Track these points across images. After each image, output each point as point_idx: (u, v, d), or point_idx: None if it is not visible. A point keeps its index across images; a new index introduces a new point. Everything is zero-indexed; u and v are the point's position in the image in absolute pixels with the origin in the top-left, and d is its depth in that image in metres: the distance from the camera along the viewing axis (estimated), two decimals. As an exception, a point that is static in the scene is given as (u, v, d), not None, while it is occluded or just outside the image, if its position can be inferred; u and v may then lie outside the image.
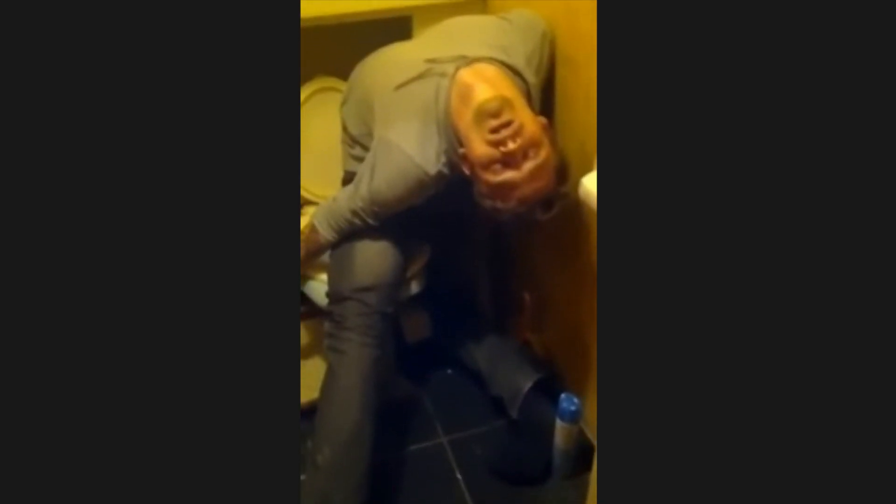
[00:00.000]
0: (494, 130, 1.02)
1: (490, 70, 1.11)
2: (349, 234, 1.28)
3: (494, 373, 1.49)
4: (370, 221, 1.24)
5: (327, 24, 1.45)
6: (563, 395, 1.29)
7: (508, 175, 1.04)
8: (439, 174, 1.15)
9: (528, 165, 1.04)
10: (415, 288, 1.45)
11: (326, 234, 1.28)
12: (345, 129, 1.37)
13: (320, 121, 1.54)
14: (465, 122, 1.07)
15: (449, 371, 1.66)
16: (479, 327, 1.58)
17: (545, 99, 1.22)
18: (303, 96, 1.55)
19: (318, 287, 1.39)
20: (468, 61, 1.12)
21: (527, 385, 1.41)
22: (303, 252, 1.32)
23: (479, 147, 1.04)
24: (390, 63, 1.26)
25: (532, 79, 1.17)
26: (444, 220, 1.48)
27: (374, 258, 1.28)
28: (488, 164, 1.05)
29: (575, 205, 1.19)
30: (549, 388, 1.40)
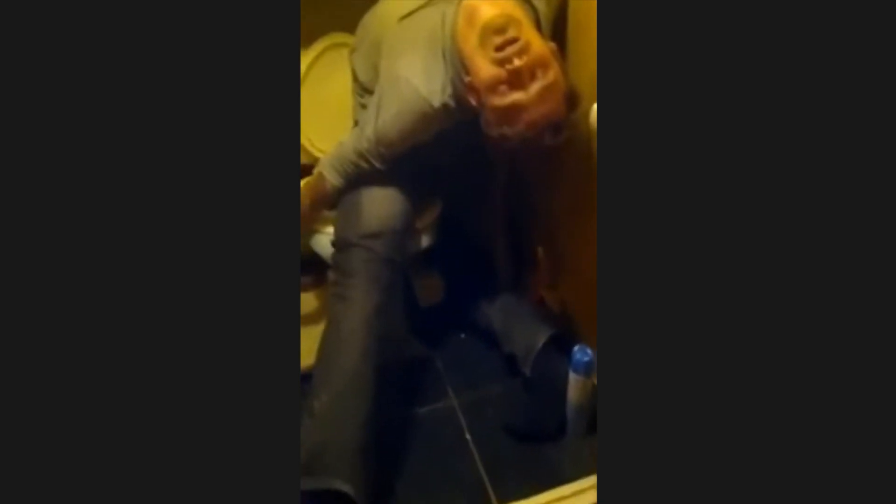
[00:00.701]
0: (500, 48, 0.98)
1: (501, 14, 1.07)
2: (356, 179, 1.25)
3: (508, 330, 1.45)
4: (377, 164, 1.21)
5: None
6: (576, 347, 1.23)
7: (515, 96, 1.00)
8: (444, 107, 1.12)
9: (535, 86, 1.00)
10: (425, 241, 1.41)
11: (332, 179, 1.25)
12: (355, 78, 1.35)
13: (333, 78, 1.52)
14: (470, 44, 1.03)
15: (462, 335, 1.61)
16: (494, 287, 1.54)
17: (557, 30, 1.18)
18: (314, 53, 1.54)
19: (325, 240, 1.36)
20: None
21: (541, 340, 1.36)
22: (308, 201, 1.29)
23: (484, 67, 1.01)
24: (395, 3, 1.24)
25: (542, 6, 1.13)
26: (456, 175, 1.45)
27: (381, 204, 1.25)
28: (494, 86, 1.01)
29: (587, 146, 1.15)
30: (563, 344, 1.34)
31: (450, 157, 1.38)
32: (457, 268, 1.60)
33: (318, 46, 1.54)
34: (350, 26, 1.49)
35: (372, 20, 1.30)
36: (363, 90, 1.31)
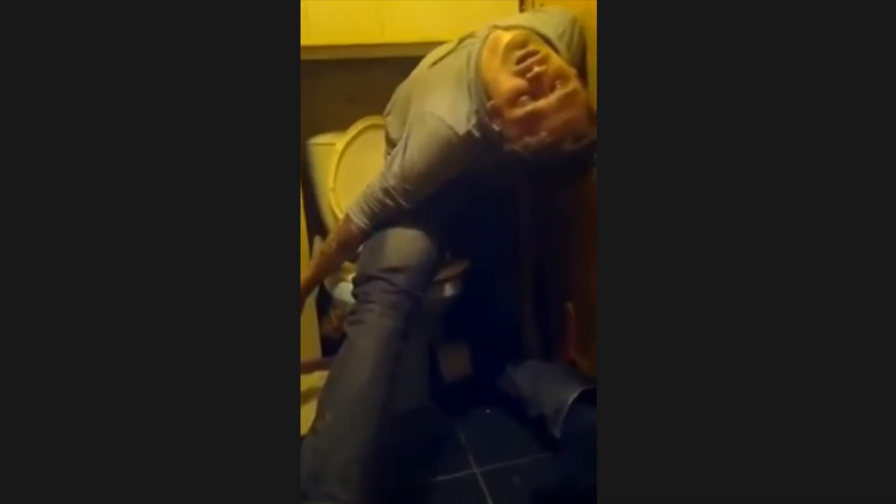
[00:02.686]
0: (521, 60, 1.03)
1: (522, 31, 1.14)
2: (382, 220, 1.25)
3: (537, 392, 1.34)
4: (403, 202, 1.22)
5: (382, 57, 1.57)
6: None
7: (536, 104, 1.02)
8: (468, 135, 1.14)
9: (555, 94, 1.02)
10: (449, 291, 1.38)
11: (358, 220, 1.26)
12: (388, 139, 1.41)
13: (371, 155, 1.61)
14: (493, 67, 1.08)
15: (488, 411, 1.49)
16: (522, 353, 1.45)
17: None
18: (356, 129, 1.64)
19: (348, 289, 1.34)
20: (502, 27, 1.16)
21: (571, 396, 1.25)
22: (335, 244, 1.30)
23: (506, 82, 1.04)
24: (428, 58, 1.33)
25: (564, 51, 1.19)
26: (482, 234, 1.45)
27: (404, 242, 1.24)
28: (516, 98, 1.03)
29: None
30: (596, 400, 1.23)
31: (475, 211, 1.39)
32: (483, 335, 1.53)
33: (358, 126, 1.65)
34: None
35: (405, 83, 1.39)
36: (393, 147, 1.37)
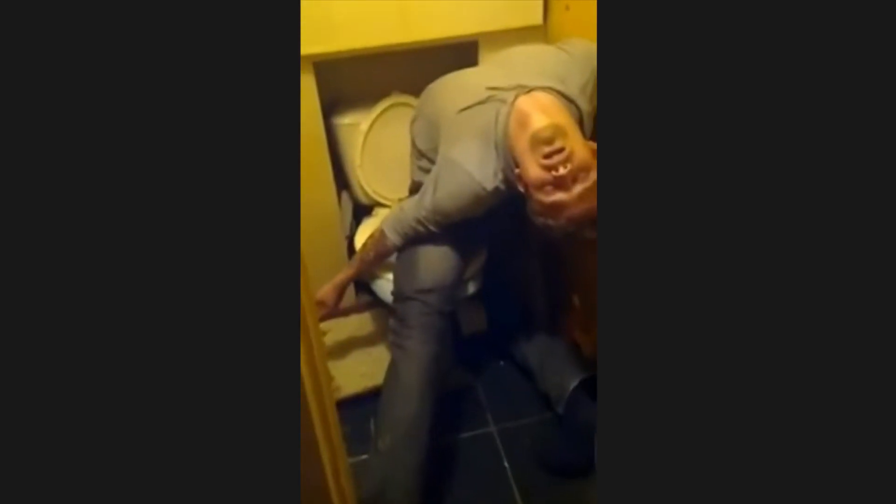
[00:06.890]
0: (547, 156, 1.12)
1: (546, 98, 1.21)
2: (414, 239, 1.41)
3: (543, 370, 1.62)
4: (432, 229, 1.37)
5: (403, 49, 1.61)
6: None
7: (559, 196, 1.13)
8: (496, 190, 1.26)
9: (577, 188, 1.12)
10: (472, 288, 1.58)
11: (394, 238, 1.42)
12: (413, 143, 1.50)
13: (393, 132, 1.70)
14: (521, 145, 1.17)
15: (502, 363, 1.79)
16: (531, 325, 1.70)
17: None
18: (378, 110, 1.70)
19: (384, 285, 1.55)
20: (526, 90, 1.22)
21: (572, 384, 1.52)
22: (372, 254, 1.48)
23: (533, 169, 1.15)
24: (456, 88, 1.38)
25: (585, 106, 1.26)
26: (500, 222, 1.59)
27: (435, 262, 1.41)
28: (541, 186, 1.15)
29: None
30: (594, 388, 1.50)
31: (497, 210, 1.53)
32: (498, 303, 1.77)
33: (384, 103, 1.71)
34: (410, 88, 1.69)
35: (431, 99, 1.44)
36: (420, 155, 1.46)
